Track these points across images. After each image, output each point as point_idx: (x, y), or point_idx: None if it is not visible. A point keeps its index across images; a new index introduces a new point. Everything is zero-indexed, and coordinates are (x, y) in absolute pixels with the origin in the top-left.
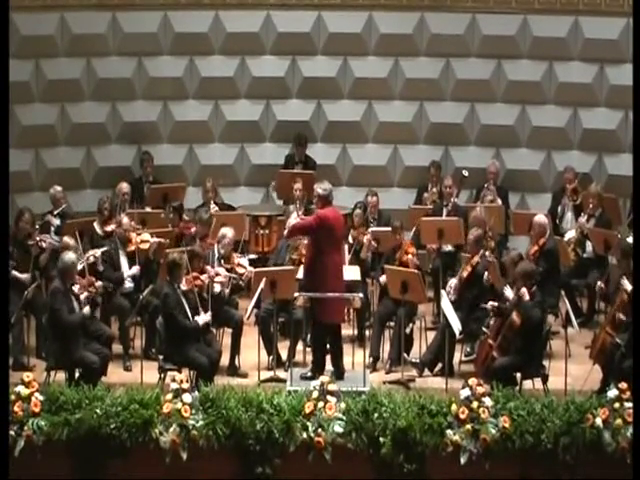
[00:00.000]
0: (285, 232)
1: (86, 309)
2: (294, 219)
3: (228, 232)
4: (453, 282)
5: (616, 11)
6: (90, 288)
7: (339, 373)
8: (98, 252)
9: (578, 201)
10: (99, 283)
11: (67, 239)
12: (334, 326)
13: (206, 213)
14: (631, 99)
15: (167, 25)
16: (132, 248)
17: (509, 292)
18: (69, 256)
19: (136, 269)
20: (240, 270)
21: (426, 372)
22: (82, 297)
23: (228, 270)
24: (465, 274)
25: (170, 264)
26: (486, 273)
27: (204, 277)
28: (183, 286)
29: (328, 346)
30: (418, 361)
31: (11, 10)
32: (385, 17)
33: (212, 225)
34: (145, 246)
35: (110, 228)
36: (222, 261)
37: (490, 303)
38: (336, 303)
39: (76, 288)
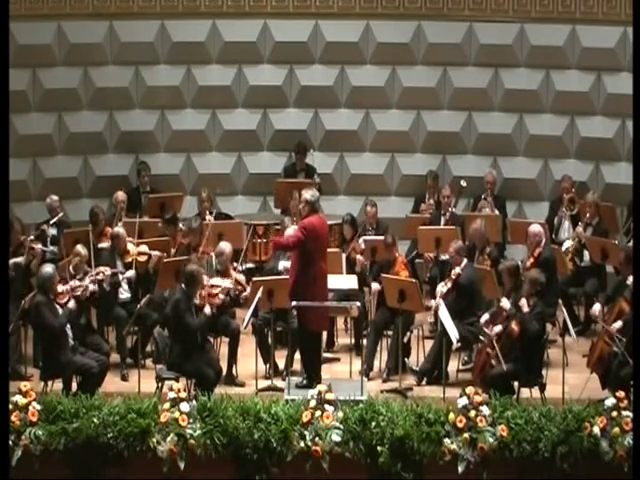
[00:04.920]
0: (273, 245)
1: (71, 303)
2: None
3: (226, 248)
4: (433, 304)
5: (613, 20)
6: (75, 292)
7: (311, 379)
8: (108, 271)
9: (575, 211)
10: (88, 284)
11: (80, 247)
12: (318, 334)
13: (195, 222)
14: (628, 108)
15: (164, 34)
16: (129, 259)
17: (506, 303)
18: (46, 270)
19: (131, 273)
20: (239, 287)
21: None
22: (70, 303)
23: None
24: (446, 289)
25: (188, 276)
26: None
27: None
28: (196, 300)
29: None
30: (418, 369)
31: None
32: (382, 26)
33: (201, 234)
34: (143, 258)
35: (106, 244)
36: (220, 275)
37: (484, 319)
38: (321, 312)
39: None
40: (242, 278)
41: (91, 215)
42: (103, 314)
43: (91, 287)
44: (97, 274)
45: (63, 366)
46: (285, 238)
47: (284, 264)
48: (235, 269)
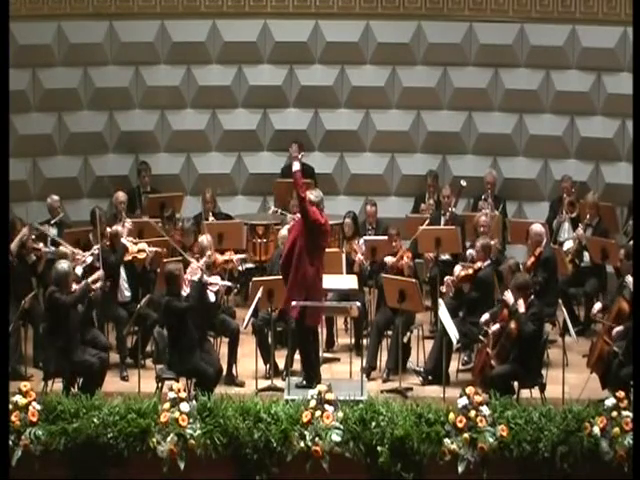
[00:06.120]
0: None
1: (99, 273)
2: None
3: (204, 240)
4: (449, 278)
5: (613, 20)
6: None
7: (311, 379)
8: (94, 250)
9: (575, 213)
10: (98, 284)
11: (62, 248)
12: (313, 330)
13: (188, 222)
14: (628, 108)
15: (164, 34)
16: (129, 257)
17: (510, 296)
18: (62, 265)
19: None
20: (229, 266)
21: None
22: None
23: (219, 274)
24: (464, 273)
25: (167, 276)
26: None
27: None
28: (183, 292)
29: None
30: (422, 369)
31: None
32: (382, 26)
33: (195, 234)
34: (142, 256)
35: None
36: (210, 269)
37: (485, 318)
38: (315, 308)
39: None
40: (227, 256)
41: (92, 216)
42: (103, 313)
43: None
44: (84, 262)
45: (70, 363)
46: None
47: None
48: (220, 252)
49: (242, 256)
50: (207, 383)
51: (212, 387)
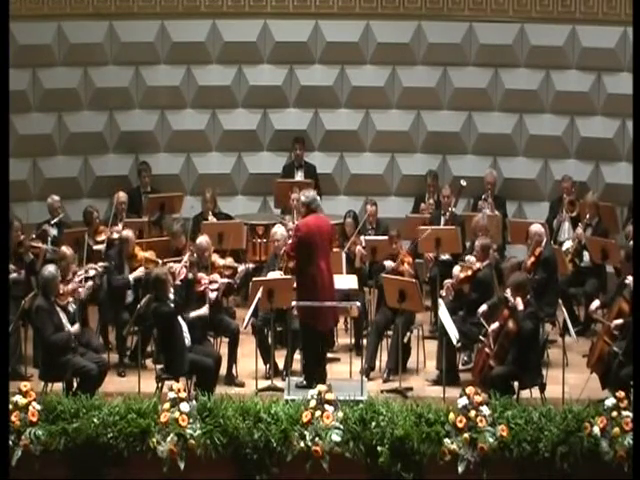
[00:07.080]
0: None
1: (76, 326)
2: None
3: (203, 241)
4: (449, 281)
5: (613, 20)
6: (75, 294)
7: (310, 381)
8: (99, 267)
9: (575, 213)
10: (89, 283)
11: (65, 249)
12: (320, 334)
13: (177, 223)
14: (628, 108)
15: (164, 34)
16: (137, 265)
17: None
18: (49, 270)
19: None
20: (228, 272)
21: (424, 381)
22: (69, 304)
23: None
24: (463, 275)
25: (154, 281)
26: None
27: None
28: (171, 295)
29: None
30: (436, 377)
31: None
32: (382, 26)
33: (186, 236)
34: (150, 265)
35: (101, 246)
36: (207, 270)
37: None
38: (325, 311)
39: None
40: (229, 261)
41: (85, 214)
42: (105, 315)
43: (86, 288)
44: (86, 271)
45: (62, 368)
46: (288, 246)
47: (272, 274)
48: (220, 254)
49: (243, 267)
50: (208, 375)
51: (214, 378)
